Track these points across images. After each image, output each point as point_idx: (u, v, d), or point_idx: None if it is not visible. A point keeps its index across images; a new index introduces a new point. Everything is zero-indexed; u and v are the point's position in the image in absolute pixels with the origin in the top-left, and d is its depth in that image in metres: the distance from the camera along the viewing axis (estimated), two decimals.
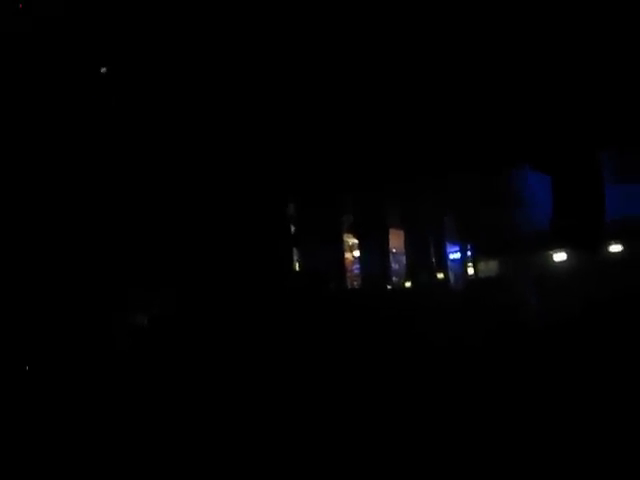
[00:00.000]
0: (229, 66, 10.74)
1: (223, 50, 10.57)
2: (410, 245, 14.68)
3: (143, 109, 10.87)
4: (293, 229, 13.06)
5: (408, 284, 14.82)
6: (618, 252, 13.87)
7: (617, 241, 13.68)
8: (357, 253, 14.68)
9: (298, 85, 11.06)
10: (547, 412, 7.11)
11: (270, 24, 10.29)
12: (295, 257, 12.99)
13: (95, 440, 7.30)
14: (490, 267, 14.96)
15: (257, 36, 10.42)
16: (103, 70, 10.80)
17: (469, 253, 15.47)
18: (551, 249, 14.26)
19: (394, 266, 14.96)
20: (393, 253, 14.87)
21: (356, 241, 14.50)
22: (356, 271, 14.65)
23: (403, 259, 14.95)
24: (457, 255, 15.50)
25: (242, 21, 10.32)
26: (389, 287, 14.49)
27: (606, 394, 7.35)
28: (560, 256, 14.37)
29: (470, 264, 15.48)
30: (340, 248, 13.80)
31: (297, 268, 13.02)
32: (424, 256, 14.79)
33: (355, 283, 14.47)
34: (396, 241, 14.87)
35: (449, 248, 15.39)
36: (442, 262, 15.16)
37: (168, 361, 9.64)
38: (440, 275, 15.09)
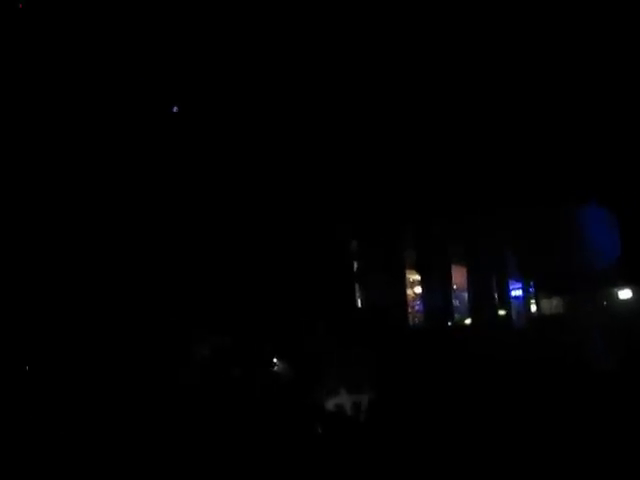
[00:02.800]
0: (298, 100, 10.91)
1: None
2: (472, 282, 14.59)
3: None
4: (356, 265, 13.16)
5: (469, 321, 14.71)
6: None
7: None
8: (418, 289, 14.69)
9: (369, 127, 11.21)
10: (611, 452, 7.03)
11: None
12: (358, 293, 13.07)
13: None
14: (553, 304, 14.79)
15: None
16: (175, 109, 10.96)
17: (532, 290, 15.31)
18: (615, 286, 14.06)
19: (455, 303, 14.89)
20: (455, 290, 14.82)
21: (418, 277, 14.50)
22: (417, 307, 14.65)
23: (464, 295, 14.88)
24: (520, 292, 15.36)
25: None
26: (450, 324, 14.41)
27: None
28: (625, 293, 14.16)
29: (533, 301, 15.32)
30: (402, 284, 13.81)
31: (360, 304, 13.09)
32: (486, 293, 14.68)
33: (417, 319, 14.45)
34: (458, 278, 14.82)
35: (512, 285, 15.26)
36: (504, 299, 15.02)
37: (228, 392, 9.74)
38: (502, 312, 14.95)
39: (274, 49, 10.62)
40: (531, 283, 15.29)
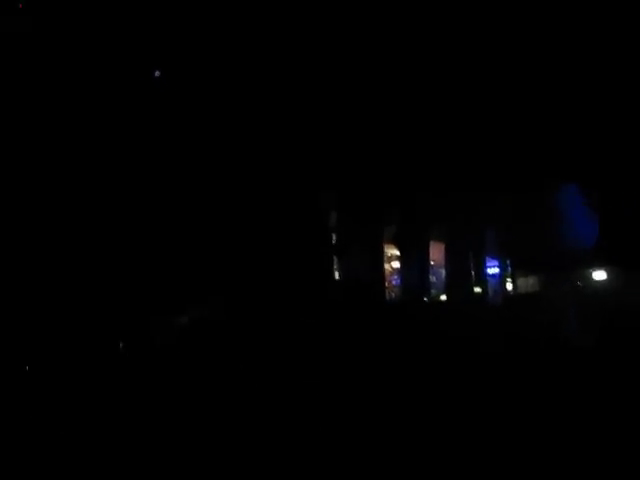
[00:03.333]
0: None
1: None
2: (450, 258, 14.64)
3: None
4: (335, 239, 13.14)
5: (445, 297, 14.78)
6: None
7: None
8: (396, 264, 14.70)
9: (347, 98, 11.15)
10: (581, 427, 7.09)
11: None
12: (336, 266, 13.06)
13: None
14: (529, 283, 14.89)
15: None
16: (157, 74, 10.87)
17: (508, 268, 15.40)
18: (591, 267, 14.19)
19: (432, 279, 14.94)
20: (432, 266, 14.86)
21: (396, 252, 14.51)
22: (395, 282, 14.68)
23: (442, 272, 14.93)
24: (496, 270, 15.44)
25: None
26: (426, 299, 14.47)
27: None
28: (600, 274, 14.28)
29: (509, 279, 15.41)
30: (381, 259, 13.83)
31: (338, 277, 13.09)
32: (463, 270, 14.73)
33: (394, 294, 14.49)
34: (436, 254, 14.86)
35: (489, 263, 15.33)
36: (481, 276, 15.10)
37: (205, 361, 9.74)
38: (478, 289, 15.03)
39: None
40: (508, 261, 15.37)
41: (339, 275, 13.06)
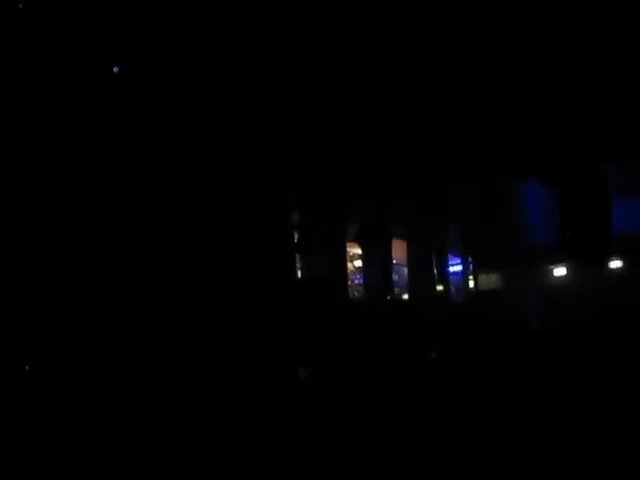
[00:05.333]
0: (225, 64, 10.78)
1: (218, 47, 10.60)
2: (412, 257, 14.68)
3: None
4: (297, 237, 13.10)
5: (408, 296, 14.82)
6: (618, 268, 13.92)
7: (618, 257, 13.73)
8: (358, 263, 14.70)
9: (305, 91, 11.12)
10: (541, 423, 7.15)
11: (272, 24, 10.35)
12: (298, 265, 13.03)
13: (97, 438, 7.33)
14: (491, 280, 14.98)
15: (256, 34, 10.47)
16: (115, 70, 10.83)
17: (471, 266, 15.46)
18: (552, 263, 14.30)
19: (395, 277, 14.97)
20: (395, 264, 14.88)
21: (358, 251, 14.51)
22: (357, 281, 14.67)
23: (404, 270, 14.96)
24: (459, 268, 15.50)
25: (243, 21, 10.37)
26: (389, 298, 14.50)
27: (602, 410, 7.41)
28: (560, 271, 14.40)
29: (471, 277, 15.47)
30: (343, 258, 13.84)
31: (299, 275, 13.07)
32: (425, 268, 14.79)
33: (356, 293, 14.49)
34: (399, 252, 14.88)
35: (451, 260, 15.39)
36: (443, 274, 15.16)
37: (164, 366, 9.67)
38: (441, 287, 15.09)
39: None
40: (470, 259, 15.43)
41: (301, 274, 13.04)
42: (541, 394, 8.10)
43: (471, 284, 15.44)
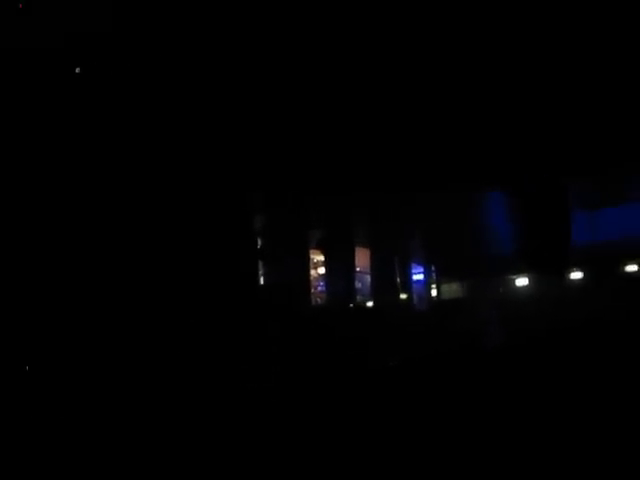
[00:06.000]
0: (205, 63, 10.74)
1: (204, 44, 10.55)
2: (375, 264, 14.73)
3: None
4: (260, 243, 13.06)
5: (371, 303, 14.86)
6: (579, 279, 14.09)
7: (578, 268, 13.90)
8: (322, 270, 14.70)
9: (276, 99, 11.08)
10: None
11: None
12: (260, 271, 12.98)
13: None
14: (453, 289, 15.09)
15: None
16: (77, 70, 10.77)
17: (433, 275, 15.57)
18: (513, 273, 14.43)
19: (358, 285, 14.99)
20: (358, 272, 14.91)
21: (321, 258, 14.51)
22: (320, 288, 14.67)
23: (367, 278, 14.99)
24: (421, 276, 15.59)
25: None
26: (352, 305, 14.51)
27: (563, 417, 7.46)
28: (522, 281, 14.54)
29: (434, 285, 15.57)
30: (306, 264, 13.83)
31: (262, 282, 13.02)
32: (388, 276, 14.84)
33: (319, 300, 14.48)
34: (362, 260, 14.91)
35: (414, 269, 15.47)
36: (406, 283, 15.23)
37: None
38: (404, 295, 15.16)
39: None
40: (432, 268, 15.53)
41: (264, 280, 12.99)
42: (498, 403, 8.14)
43: (434, 293, 15.54)
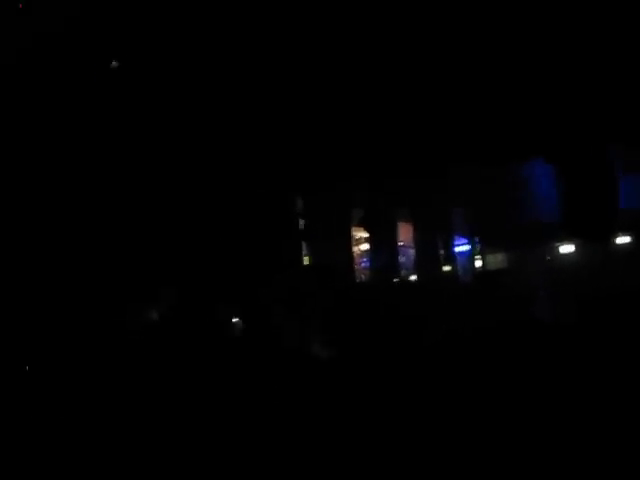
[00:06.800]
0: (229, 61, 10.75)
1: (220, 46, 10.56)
2: (418, 238, 14.69)
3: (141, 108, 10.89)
4: (302, 224, 13.12)
5: (415, 277, 14.83)
6: (626, 244, 13.86)
7: (625, 233, 13.67)
8: (365, 246, 14.70)
9: (307, 76, 11.06)
10: (550, 409, 7.12)
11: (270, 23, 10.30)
12: (304, 251, 13.05)
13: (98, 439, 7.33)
14: (498, 260, 14.96)
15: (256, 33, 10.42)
16: (114, 64, 10.81)
17: (477, 246, 15.43)
18: (558, 241, 14.26)
19: (402, 259, 14.97)
20: (401, 246, 14.89)
21: (363, 235, 14.52)
22: (363, 264, 14.68)
23: (411, 252, 14.96)
24: (465, 248, 15.47)
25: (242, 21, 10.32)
26: (396, 280, 14.52)
27: (610, 390, 7.37)
28: (567, 248, 14.36)
29: (478, 257, 15.44)
30: (349, 242, 13.87)
31: (306, 262, 13.09)
32: (432, 249, 14.80)
33: (363, 276, 14.50)
34: (405, 234, 14.89)
35: (457, 241, 15.35)
36: (450, 255, 15.15)
37: (174, 358, 9.68)
38: (447, 268, 15.08)
39: None
40: (477, 239, 15.40)
41: (309, 260, 13.07)
42: (547, 379, 8.08)
43: (478, 264, 15.41)
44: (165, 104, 10.90)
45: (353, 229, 14.20)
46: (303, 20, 10.35)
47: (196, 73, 10.63)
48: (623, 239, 13.88)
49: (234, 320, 10.56)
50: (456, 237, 15.24)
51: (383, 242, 14.25)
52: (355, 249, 14.45)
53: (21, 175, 10.17)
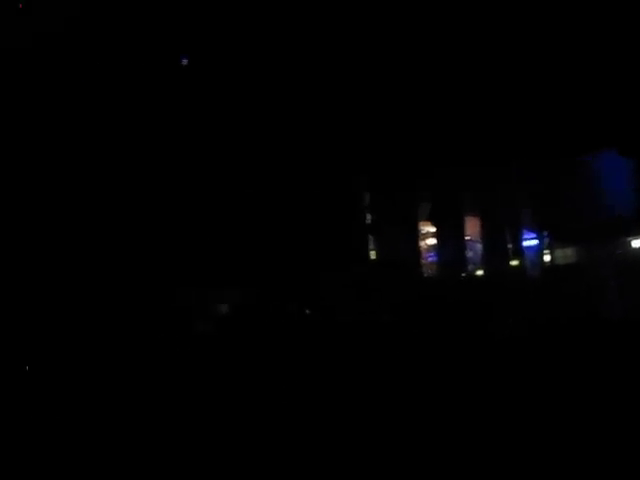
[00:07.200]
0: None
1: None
2: (486, 232, 14.59)
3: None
4: (370, 218, 13.19)
5: (483, 272, 14.74)
6: None
7: None
8: (432, 241, 14.69)
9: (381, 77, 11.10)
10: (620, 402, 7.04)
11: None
12: (371, 245, 13.12)
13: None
14: (567, 254, 14.75)
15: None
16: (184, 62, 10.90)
17: (546, 240, 15.24)
18: (630, 235, 14.01)
19: (469, 254, 14.89)
20: (469, 240, 14.82)
21: (431, 229, 14.50)
22: (431, 259, 14.67)
23: (478, 246, 14.87)
24: (533, 242, 15.29)
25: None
26: (464, 275, 14.45)
27: None
28: (638, 242, 14.11)
29: (547, 251, 15.25)
30: (416, 236, 13.88)
31: (374, 256, 13.16)
32: (500, 243, 14.68)
33: (430, 271, 14.49)
34: (472, 229, 14.80)
35: (526, 235, 15.19)
36: (518, 249, 15.00)
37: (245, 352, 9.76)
38: (515, 262, 14.94)
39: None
40: (545, 233, 15.21)
41: (376, 255, 13.13)
42: (614, 375, 7.97)
43: (547, 258, 15.23)
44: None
45: (420, 223, 14.19)
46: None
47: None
48: None
49: (303, 314, 10.68)
50: (524, 231, 15.10)
51: (450, 236, 14.19)
52: (422, 243, 14.44)
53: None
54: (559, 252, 14.92)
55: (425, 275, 14.17)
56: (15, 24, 10.05)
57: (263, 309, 10.67)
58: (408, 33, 10.84)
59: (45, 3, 10.16)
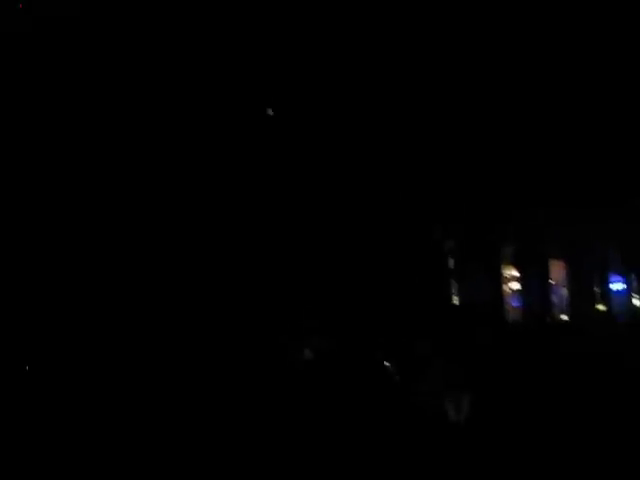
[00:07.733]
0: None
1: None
2: (571, 277, 14.28)
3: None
4: (452, 263, 13.12)
5: (568, 317, 14.43)
6: None
7: None
8: (515, 285, 14.49)
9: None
10: None
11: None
12: (454, 290, 13.04)
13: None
14: None
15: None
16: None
17: (635, 283, 14.81)
18: None
19: (553, 298, 14.60)
20: (553, 285, 14.54)
21: (514, 273, 14.31)
22: (514, 303, 14.45)
23: (563, 291, 14.58)
24: (621, 286, 14.88)
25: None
26: (548, 320, 14.16)
27: None
28: None
29: (636, 295, 14.81)
30: (499, 280, 13.72)
31: (457, 301, 13.06)
32: (585, 288, 14.34)
33: (514, 316, 14.26)
34: (556, 272, 14.53)
35: (613, 278, 14.80)
36: (604, 293, 14.61)
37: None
38: (602, 307, 14.56)
39: None
40: (634, 276, 14.78)
41: (458, 300, 13.02)
42: None
43: (637, 303, 14.79)
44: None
45: (503, 267, 14.02)
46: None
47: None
48: None
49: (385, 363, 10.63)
50: (612, 274, 14.72)
51: (534, 280, 13.96)
52: (505, 288, 14.25)
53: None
54: None
55: (509, 320, 13.95)
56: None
57: (349, 356, 10.67)
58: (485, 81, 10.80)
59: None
